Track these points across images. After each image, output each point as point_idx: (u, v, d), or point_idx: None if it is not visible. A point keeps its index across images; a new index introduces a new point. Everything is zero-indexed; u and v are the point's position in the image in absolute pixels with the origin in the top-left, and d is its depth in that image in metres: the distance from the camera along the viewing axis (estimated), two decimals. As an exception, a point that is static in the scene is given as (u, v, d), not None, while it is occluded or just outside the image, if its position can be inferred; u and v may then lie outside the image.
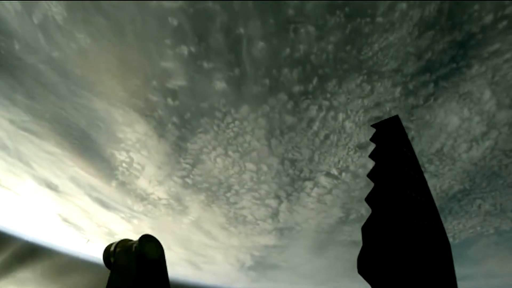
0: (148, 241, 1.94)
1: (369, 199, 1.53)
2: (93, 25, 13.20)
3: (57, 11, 12.65)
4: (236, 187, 18.67)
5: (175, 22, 13.17)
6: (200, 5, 12.75)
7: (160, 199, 19.02)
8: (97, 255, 22.33)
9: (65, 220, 20.38)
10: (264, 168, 17.76)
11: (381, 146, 1.80)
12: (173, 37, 13.62)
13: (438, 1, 12.17)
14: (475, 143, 15.13)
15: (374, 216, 1.46)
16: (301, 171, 17.71)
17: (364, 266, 1.30)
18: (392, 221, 1.42)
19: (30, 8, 12.50)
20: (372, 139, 1.87)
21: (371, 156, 1.77)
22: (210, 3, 12.73)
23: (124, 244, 1.99)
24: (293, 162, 17.48)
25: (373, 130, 1.91)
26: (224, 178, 18.34)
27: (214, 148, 17.12)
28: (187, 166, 17.73)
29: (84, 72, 14.44)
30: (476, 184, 16.36)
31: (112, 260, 1.98)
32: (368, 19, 12.85)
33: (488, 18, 12.15)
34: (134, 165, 17.59)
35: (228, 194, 19.00)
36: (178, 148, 17.07)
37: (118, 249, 1.99)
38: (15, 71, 14.03)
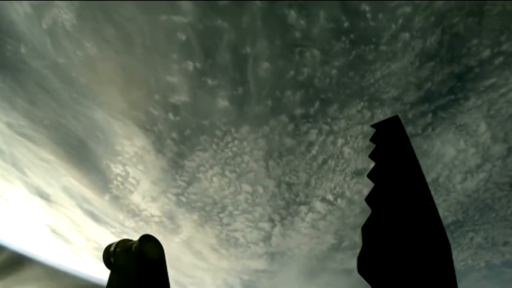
0: (148, 241, 1.94)
1: (369, 199, 1.53)
2: (101, 35, 12.91)
3: (67, 17, 12.35)
4: (230, 208, 18.04)
5: (183, 37, 12.96)
6: (209, 22, 12.58)
7: (152, 216, 18.19)
8: (83, 270, 21.23)
9: (54, 231, 19.37)
10: (260, 190, 17.27)
11: (381, 146, 1.80)
12: (180, 52, 13.39)
13: (439, 34, 12.20)
14: (470, 175, 14.94)
15: (374, 216, 1.45)
16: (296, 195, 17.22)
17: (364, 266, 1.29)
18: (392, 221, 1.40)
19: (40, 12, 12.19)
20: (372, 139, 1.87)
21: (371, 156, 1.77)
22: (219, 21, 12.55)
23: (124, 244, 1.97)
24: (289, 185, 17.04)
25: (373, 130, 1.90)
26: (219, 198, 17.74)
27: (211, 167, 16.61)
28: (183, 183, 17.13)
29: (87, 81, 14.04)
30: (469, 216, 16.05)
31: (112, 260, 1.96)
32: (372, 47, 12.84)
33: (486, 53, 12.22)
34: (130, 179, 16.92)
35: (222, 215, 18.33)
36: (175, 164, 16.53)
37: (118, 249, 1.96)
38: (18, 75, 13.57)
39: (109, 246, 2.04)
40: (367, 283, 1.23)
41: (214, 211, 18.39)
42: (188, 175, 16.99)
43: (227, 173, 16.87)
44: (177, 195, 17.70)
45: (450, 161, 14.81)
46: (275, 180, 17.02)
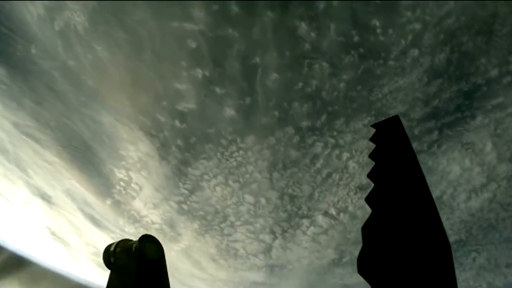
0: (148, 241, 1.96)
1: (369, 199, 1.52)
2: (112, 39, 12.83)
3: (79, 20, 12.30)
4: (232, 218, 17.76)
5: (193, 45, 12.87)
6: (220, 31, 12.51)
7: (153, 223, 17.89)
8: (80, 274, 20.90)
9: (53, 233, 19.09)
10: (263, 201, 16.99)
11: (381, 146, 1.80)
12: (189, 59, 13.26)
13: (448, 51, 12.13)
14: (474, 194, 14.71)
15: (374, 216, 1.45)
16: (299, 208, 16.94)
17: (364, 266, 1.28)
18: (392, 221, 1.40)
19: (53, 14, 12.14)
20: (372, 139, 1.86)
21: (371, 156, 1.77)
22: (230, 30, 12.47)
23: (124, 244, 1.99)
24: (292, 198, 16.77)
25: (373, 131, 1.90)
26: (221, 208, 17.46)
27: (215, 176, 16.36)
28: (185, 191, 16.88)
29: (96, 84, 13.93)
30: (473, 236, 15.79)
31: (112, 260, 1.96)
32: (381, 61, 12.72)
33: (494, 72, 12.10)
34: (132, 185, 16.71)
35: (223, 225, 18.01)
36: (179, 172, 16.30)
37: (118, 249, 1.97)
38: (28, 75, 13.45)
39: (109, 246, 2.06)
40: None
41: (216, 220, 18.09)
42: (191, 183, 16.77)
43: (230, 182, 16.66)
44: (179, 203, 17.45)
45: (455, 179, 14.61)
46: (278, 191, 16.79)
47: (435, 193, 15.07)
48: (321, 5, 11.80)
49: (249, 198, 17.14)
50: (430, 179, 14.60)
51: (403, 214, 1.38)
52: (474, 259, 16.32)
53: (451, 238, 15.94)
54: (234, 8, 12.05)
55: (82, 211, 18.08)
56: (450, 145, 13.89)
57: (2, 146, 15.75)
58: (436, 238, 1.28)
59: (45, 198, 17.71)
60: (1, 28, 12.33)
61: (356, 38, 12.33)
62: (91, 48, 12.97)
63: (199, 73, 13.51)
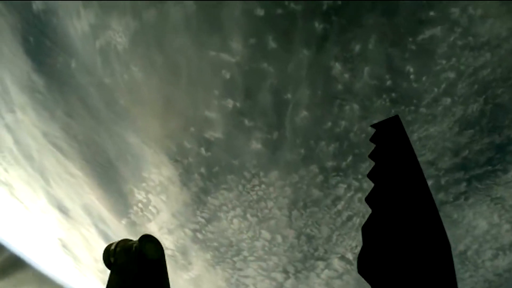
0: (148, 241, 1.91)
1: (369, 199, 1.52)
2: (150, 62, 13.03)
3: (120, 41, 12.54)
4: (246, 253, 17.18)
5: (227, 75, 12.93)
6: (255, 64, 12.56)
7: (166, 248, 16.87)
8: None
9: (64, 246, 18.89)
10: (279, 239, 16.45)
11: (381, 146, 1.78)
12: (222, 88, 13.28)
13: (482, 102, 11.83)
14: (502, 253, 13.93)
15: (374, 216, 1.44)
16: (315, 249, 16.30)
17: (364, 266, 1.27)
18: (392, 221, 1.38)
19: (96, 32, 12.44)
20: (372, 139, 1.85)
21: (371, 156, 1.75)
22: (265, 64, 12.47)
23: (124, 244, 1.95)
24: (309, 238, 16.17)
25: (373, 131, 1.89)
26: (235, 241, 16.96)
27: (233, 208, 16.00)
28: (202, 220, 16.52)
29: (128, 104, 14.04)
30: (497, 298, 14.77)
31: (112, 260, 1.92)
32: (412, 108, 12.51)
33: (529, 127, 11.77)
34: (150, 207, 16.45)
35: (236, 259, 17.42)
36: (198, 200, 16.01)
37: (118, 249, 1.93)
38: (64, 87, 13.70)
39: (109, 245, 2.01)
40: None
41: (229, 253, 17.53)
42: (209, 213, 16.39)
43: (248, 216, 16.24)
44: (194, 231, 17.04)
45: (481, 235, 13.90)
46: (296, 230, 16.26)
47: (458, 248, 14.42)
48: (357, 47, 11.76)
49: (265, 234, 16.65)
50: (454, 233, 13.99)
51: (403, 214, 1.37)
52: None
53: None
54: (272, 43, 12.12)
55: (96, 227, 17.85)
56: (478, 198, 13.30)
57: (28, 153, 15.83)
58: (436, 238, 1.26)
59: (62, 210, 17.61)
60: (45, 41, 12.69)
61: (389, 83, 12.21)
62: (128, 69, 13.15)
63: (230, 103, 13.48)
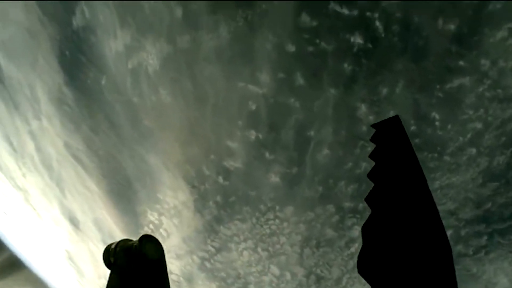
0: (148, 241, 1.90)
1: (369, 199, 1.54)
2: (179, 87, 13.05)
3: (152, 63, 12.64)
4: (252, 286, 16.84)
5: (253, 107, 12.84)
6: (282, 98, 12.45)
7: (171, 273, 17.05)
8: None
9: (70, 258, 18.83)
10: (288, 276, 16.01)
11: (381, 146, 1.80)
12: (246, 119, 13.19)
13: (509, 155, 11.41)
14: (522, 315, 13.23)
15: (374, 216, 1.44)
16: (324, 290, 15.69)
17: (364, 266, 1.26)
18: (392, 221, 1.36)
19: (130, 53, 12.56)
20: (372, 139, 1.90)
21: (371, 156, 1.77)
22: (292, 99, 12.34)
23: (124, 244, 1.93)
24: (319, 278, 15.71)
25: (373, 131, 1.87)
26: (243, 274, 16.56)
27: (245, 240, 15.68)
28: (212, 249, 16.20)
29: (152, 125, 14.05)
30: None
31: (112, 260, 1.89)
32: (435, 155, 12.17)
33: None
34: (161, 230, 16.26)
35: (242, 292, 16.86)
36: (210, 228, 15.75)
37: (118, 249, 1.90)
38: (92, 103, 13.82)
39: (110, 245, 1.98)
40: None
41: (235, 285, 17.13)
42: (220, 242, 16.08)
43: (259, 250, 15.86)
44: (202, 259, 16.70)
45: (502, 292, 13.29)
46: (306, 269, 15.78)
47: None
48: (385, 90, 11.57)
49: (274, 270, 16.21)
50: (472, 287, 13.34)
51: (403, 214, 1.35)
52: None
53: None
54: (300, 79, 12.01)
55: (105, 243, 17.28)
56: (500, 253, 12.80)
57: (48, 162, 15.92)
58: (436, 238, 1.23)
59: (74, 222, 17.58)
60: (81, 57, 12.91)
61: (413, 128, 11.92)
62: (157, 91, 13.19)
63: (252, 134, 13.37)
